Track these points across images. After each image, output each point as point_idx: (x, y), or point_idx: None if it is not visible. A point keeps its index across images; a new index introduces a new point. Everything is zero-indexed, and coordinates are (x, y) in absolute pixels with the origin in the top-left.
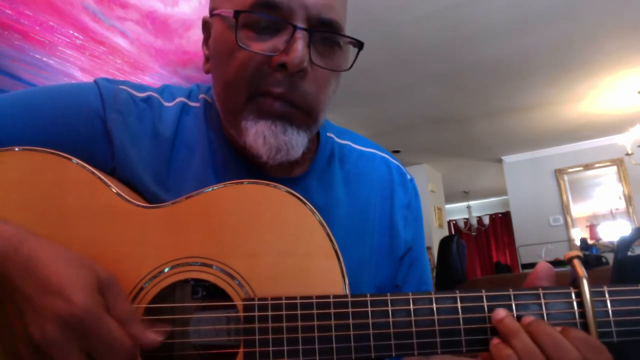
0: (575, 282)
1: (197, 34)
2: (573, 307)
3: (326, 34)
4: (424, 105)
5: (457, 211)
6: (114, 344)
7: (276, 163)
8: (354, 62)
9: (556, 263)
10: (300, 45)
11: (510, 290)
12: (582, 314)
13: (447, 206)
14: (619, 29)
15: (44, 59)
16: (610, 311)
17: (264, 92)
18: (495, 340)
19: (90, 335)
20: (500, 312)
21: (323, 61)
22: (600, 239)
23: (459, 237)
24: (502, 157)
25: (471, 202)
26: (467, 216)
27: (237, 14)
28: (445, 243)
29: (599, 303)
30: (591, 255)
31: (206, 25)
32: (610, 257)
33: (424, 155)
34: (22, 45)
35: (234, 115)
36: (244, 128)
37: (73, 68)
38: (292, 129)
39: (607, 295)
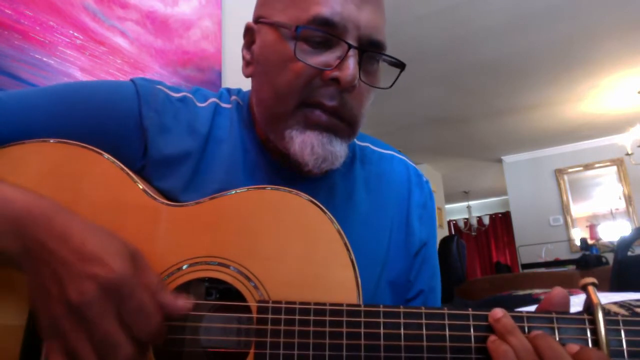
0: (590, 309)
1: (197, 34)
2: (586, 334)
3: (374, 54)
4: (424, 105)
5: (457, 211)
6: (144, 311)
7: (321, 171)
8: (395, 81)
9: (556, 263)
10: (352, 63)
11: (524, 312)
12: (596, 342)
13: (447, 206)
14: (619, 29)
15: (44, 59)
16: (624, 341)
17: (314, 102)
18: (492, 337)
19: (124, 301)
20: (498, 312)
21: (367, 78)
22: (600, 239)
23: (459, 237)
24: (502, 157)
25: (471, 202)
26: (467, 216)
27: (298, 28)
28: (445, 243)
29: (612, 332)
30: (591, 255)
31: (249, 31)
32: (610, 257)
33: (424, 155)
34: (22, 45)
35: (279, 121)
36: (288, 136)
37: (73, 68)
38: (337, 140)
39: (621, 324)
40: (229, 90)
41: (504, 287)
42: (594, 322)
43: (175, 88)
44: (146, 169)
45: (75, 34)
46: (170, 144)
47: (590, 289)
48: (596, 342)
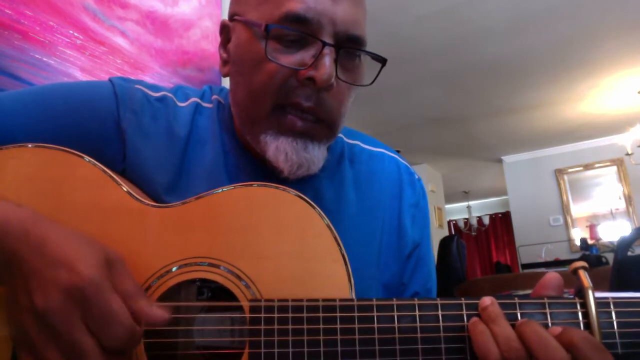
0: (581, 293)
1: (197, 34)
2: (578, 318)
3: (352, 50)
4: (424, 105)
5: (457, 211)
6: (112, 318)
7: (297, 178)
8: (376, 77)
9: (556, 263)
10: (328, 61)
11: (516, 298)
12: (587, 325)
13: (447, 206)
14: (619, 29)
15: (44, 59)
16: (615, 322)
17: (290, 104)
18: (473, 319)
19: (89, 306)
20: (486, 300)
21: (346, 76)
22: (600, 239)
23: (459, 237)
24: (502, 157)
25: (471, 202)
26: (467, 216)
27: (268, 27)
28: (445, 243)
29: (603, 314)
30: (591, 255)
31: (225, 29)
32: (610, 257)
33: (424, 155)
34: (22, 45)
35: (254, 125)
36: (263, 141)
37: (73, 68)
38: (313, 145)
39: (612, 306)
40: (211, 89)
41: (504, 287)
42: (585, 305)
43: (155, 87)
44: (127, 172)
45: (75, 34)
46: (148, 147)
47: (581, 272)
48: (588, 325)
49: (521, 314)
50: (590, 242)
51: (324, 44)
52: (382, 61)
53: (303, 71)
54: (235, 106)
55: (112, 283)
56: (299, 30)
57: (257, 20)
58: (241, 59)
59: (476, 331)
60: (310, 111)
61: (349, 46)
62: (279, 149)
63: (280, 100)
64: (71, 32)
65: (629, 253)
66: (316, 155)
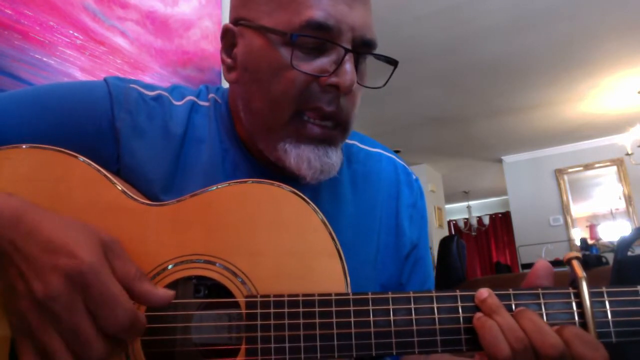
0: (575, 283)
1: (197, 34)
2: (572, 308)
3: (367, 54)
4: (424, 105)
5: (457, 211)
6: (113, 302)
7: (318, 182)
8: (388, 79)
9: (556, 263)
10: (350, 68)
11: (510, 290)
12: (581, 314)
13: (447, 206)
14: (619, 29)
15: (44, 59)
16: (608, 312)
17: (311, 108)
18: (477, 314)
19: (91, 291)
20: (484, 292)
21: (360, 79)
22: (600, 239)
23: (459, 237)
24: (502, 157)
25: (471, 202)
26: (467, 216)
27: (293, 36)
28: (445, 243)
29: (597, 304)
30: (591, 255)
31: (229, 34)
32: (610, 257)
33: (424, 155)
34: (22, 45)
35: (272, 132)
36: (281, 149)
37: (73, 68)
38: (332, 150)
39: (605, 296)
40: (207, 88)
41: (504, 287)
42: (579, 295)
43: (150, 86)
44: (121, 172)
45: (75, 34)
46: (144, 147)
47: (574, 263)
48: (582, 314)
49: (516, 305)
50: (590, 242)
51: (346, 51)
52: (394, 63)
53: (325, 78)
54: (249, 113)
55: (111, 267)
56: (321, 38)
57: (274, 27)
58: (257, 66)
59: (484, 326)
60: (331, 115)
61: (365, 51)
62: (301, 157)
63: (300, 106)
64: (71, 32)
65: (629, 253)
66: (336, 160)
